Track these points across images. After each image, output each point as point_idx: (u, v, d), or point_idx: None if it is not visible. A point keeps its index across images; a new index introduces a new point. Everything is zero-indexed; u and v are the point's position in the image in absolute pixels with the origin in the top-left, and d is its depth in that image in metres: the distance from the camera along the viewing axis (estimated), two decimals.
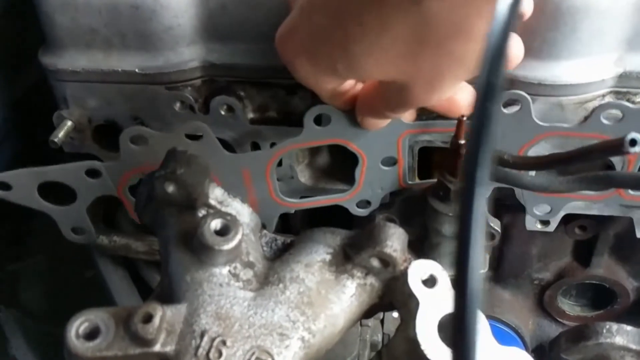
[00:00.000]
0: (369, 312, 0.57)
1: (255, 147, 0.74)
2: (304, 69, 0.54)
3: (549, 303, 0.91)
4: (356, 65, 0.50)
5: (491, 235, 0.72)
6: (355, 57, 0.49)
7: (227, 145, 0.74)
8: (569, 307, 0.92)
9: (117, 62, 0.69)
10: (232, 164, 0.68)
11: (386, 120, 0.63)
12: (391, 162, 0.69)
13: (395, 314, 0.77)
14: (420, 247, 0.70)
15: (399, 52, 0.47)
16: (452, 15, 0.43)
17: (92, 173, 0.72)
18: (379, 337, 0.71)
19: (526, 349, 0.91)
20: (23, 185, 0.72)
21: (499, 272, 0.90)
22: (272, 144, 0.72)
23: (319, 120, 0.66)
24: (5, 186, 0.72)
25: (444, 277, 0.53)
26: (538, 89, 0.62)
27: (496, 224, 0.71)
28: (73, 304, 1.11)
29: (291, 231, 0.87)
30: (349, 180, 0.77)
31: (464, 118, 0.59)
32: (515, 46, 0.53)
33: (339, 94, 0.60)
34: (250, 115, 0.71)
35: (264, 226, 0.62)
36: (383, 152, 0.68)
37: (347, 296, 0.53)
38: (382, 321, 0.72)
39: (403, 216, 0.71)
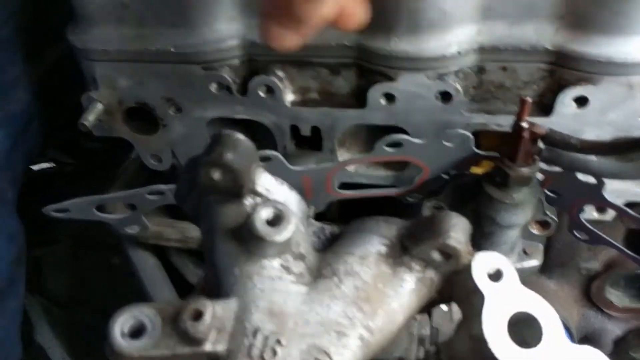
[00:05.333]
0: (424, 307, 0.53)
1: (295, 130, 0.70)
2: None
3: (596, 294, 0.87)
4: None
5: (546, 224, 0.68)
6: None
7: (265, 129, 0.70)
8: (617, 298, 0.88)
9: (150, 39, 0.65)
10: (294, 175, 0.64)
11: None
12: (452, 174, 0.66)
13: (445, 307, 0.74)
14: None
15: None
16: None
17: (156, 193, 0.70)
18: (427, 331, 0.68)
19: (572, 341, 0.88)
20: (81, 209, 0.72)
21: (545, 260, 0.86)
22: (314, 128, 0.69)
23: (391, 144, 0.62)
24: (64, 211, 0.72)
25: (511, 271, 0.49)
26: (606, 67, 0.58)
27: (552, 212, 0.66)
28: (99, 292, 1.09)
29: (325, 218, 0.83)
30: (392, 166, 0.73)
31: (527, 99, 0.54)
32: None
33: None
34: (291, 97, 0.68)
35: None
36: (450, 167, 0.65)
37: (405, 290, 0.49)
38: (430, 314, 0.68)
39: (453, 203, 0.67)
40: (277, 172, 0.63)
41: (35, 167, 1.22)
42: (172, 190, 0.67)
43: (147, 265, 0.80)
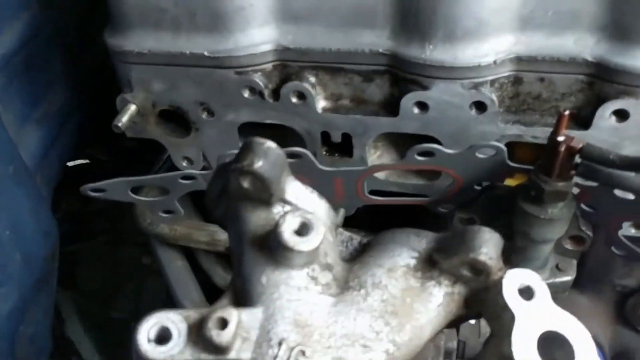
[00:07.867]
0: (452, 323, 0.52)
1: (325, 137, 0.70)
2: None
3: (630, 311, 0.84)
4: None
5: (581, 240, 0.66)
6: None
7: (296, 135, 0.70)
8: None
9: (185, 43, 0.66)
10: (325, 176, 0.64)
11: None
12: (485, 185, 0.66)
13: (472, 320, 0.73)
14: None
15: None
16: None
17: (189, 178, 0.70)
18: (454, 344, 0.67)
19: (605, 359, 0.85)
20: (116, 190, 0.74)
21: (578, 276, 0.84)
22: (344, 135, 0.68)
23: (422, 154, 0.62)
24: (100, 191, 0.73)
25: (543, 289, 0.48)
26: None
27: (587, 227, 0.64)
28: (130, 289, 1.10)
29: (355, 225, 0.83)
30: (424, 175, 0.72)
31: (566, 112, 0.53)
32: None
33: None
34: (322, 103, 0.67)
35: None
36: (482, 179, 0.64)
37: (433, 305, 0.49)
38: (457, 327, 0.67)
39: (485, 215, 0.66)
40: (307, 171, 0.63)
41: (71, 163, 1.24)
42: (204, 177, 0.69)
43: (175, 267, 0.81)
